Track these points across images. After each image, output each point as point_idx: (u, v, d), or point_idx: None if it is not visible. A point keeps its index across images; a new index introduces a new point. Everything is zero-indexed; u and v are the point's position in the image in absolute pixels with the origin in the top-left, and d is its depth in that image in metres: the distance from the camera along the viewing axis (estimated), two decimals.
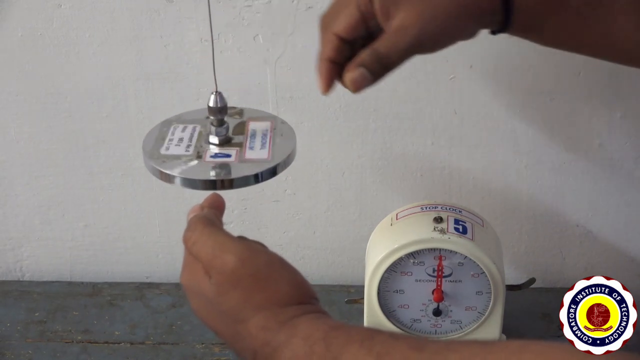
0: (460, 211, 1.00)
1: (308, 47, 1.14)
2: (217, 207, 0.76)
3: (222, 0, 1.10)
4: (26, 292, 1.27)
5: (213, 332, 0.70)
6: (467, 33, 0.76)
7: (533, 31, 0.78)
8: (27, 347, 1.16)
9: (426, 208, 1.00)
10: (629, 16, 0.75)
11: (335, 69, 0.75)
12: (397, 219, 1.01)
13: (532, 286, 1.09)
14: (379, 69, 0.72)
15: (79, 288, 1.28)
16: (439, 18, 0.72)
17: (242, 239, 0.71)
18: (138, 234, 1.29)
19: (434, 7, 0.72)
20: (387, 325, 0.99)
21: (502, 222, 1.23)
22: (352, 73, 0.73)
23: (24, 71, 1.18)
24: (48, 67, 1.17)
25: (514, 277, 1.26)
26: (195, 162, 0.78)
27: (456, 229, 0.96)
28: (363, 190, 1.23)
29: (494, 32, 0.79)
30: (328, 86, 0.75)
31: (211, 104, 0.81)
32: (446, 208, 1.00)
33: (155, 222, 1.28)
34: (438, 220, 0.97)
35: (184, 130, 0.83)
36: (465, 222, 0.98)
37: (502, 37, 0.80)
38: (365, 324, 1.01)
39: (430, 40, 0.73)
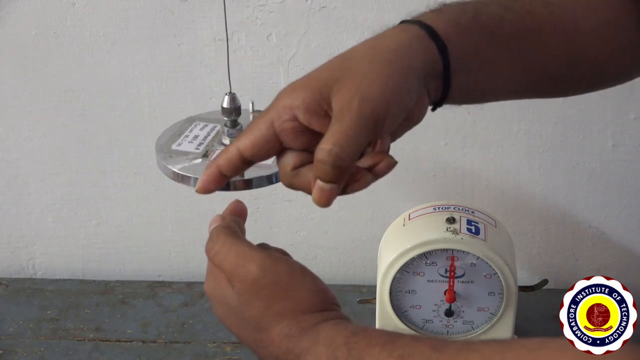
0: (473, 212, 1.00)
1: (321, 47, 1.14)
2: (238, 214, 0.76)
3: None
4: (38, 290, 1.27)
5: (237, 338, 0.71)
6: (410, 96, 0.68)
7: (471, 72, 0.72)
8: (39, 345, 1.16)
9: (439, 208, 1.00)
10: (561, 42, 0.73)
11: (221, 178, 0.70)
12: (409, 219, 1.00)
13: (545, 287, 1.09)
14: (337, 173, 0.65)
15: (91, 286, 1.28)
16: (376, 81, 0.65)
17: (263, 247, 0.72)
18: (150, 232, 1.30)
19: (369, 73, 0.66)
20: (399, 325, 0.99)
21: (515, 223, 1.23)
22: (314, 192, 0.66)
23: (37, 70, 1.18)
24: (62, 65, 1.18)
25: (527, 278, 1.25)
26: (199, 160, 0.78)
27: (469, 230, 0.96)
28: (375, 190, 1.21)
29: (434, 105, 0.73)
30: (205, 190, 0.70)
31: (225, 104, 0.80)
32: (459, 208, 1.00)
33: (167, 220, 1.28)
34: (451, 220, 0.96)
35: (203, 128, 0.83)
36: (477, 223, 0.97)
37: None
38: (377, 324, 1.00)
39: (379, 106, 0.65)
